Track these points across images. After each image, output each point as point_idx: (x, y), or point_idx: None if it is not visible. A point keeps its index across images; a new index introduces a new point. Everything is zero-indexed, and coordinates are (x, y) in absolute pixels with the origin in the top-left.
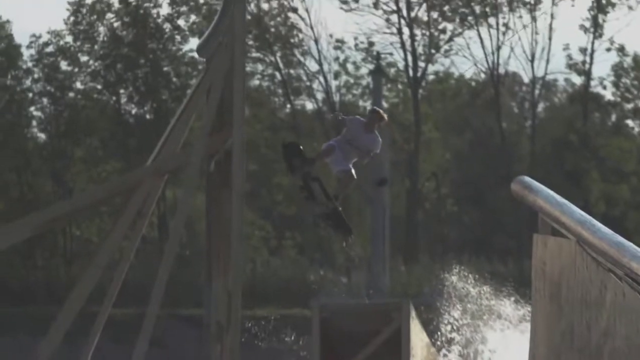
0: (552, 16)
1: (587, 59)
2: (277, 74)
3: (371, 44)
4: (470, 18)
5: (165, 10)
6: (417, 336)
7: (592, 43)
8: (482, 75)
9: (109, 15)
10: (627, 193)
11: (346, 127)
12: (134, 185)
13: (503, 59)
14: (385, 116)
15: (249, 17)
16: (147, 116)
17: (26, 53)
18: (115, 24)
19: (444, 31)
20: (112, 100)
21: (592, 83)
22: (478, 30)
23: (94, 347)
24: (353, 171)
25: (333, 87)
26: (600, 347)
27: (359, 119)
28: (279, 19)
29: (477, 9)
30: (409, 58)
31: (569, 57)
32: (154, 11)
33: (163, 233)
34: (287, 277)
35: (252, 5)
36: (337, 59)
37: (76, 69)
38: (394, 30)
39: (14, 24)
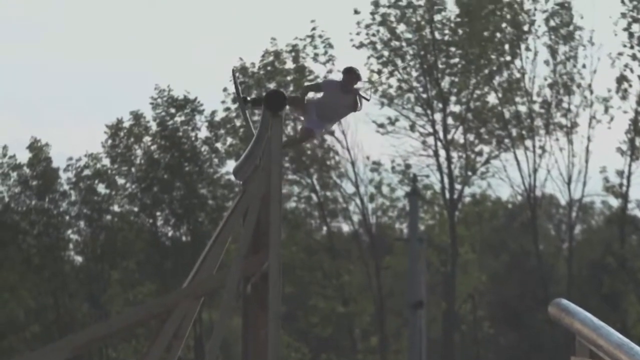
0: (588, 139)
1: (624, 181)
2: (314, 196)
3: (408, 166)
4: (506, 141)
5: (203, 133)
6: None
7: (629, 166)
8: (519, 198)
9: (146, 138)
10: None
11: (323, 92)
12: (170, 308)
13: (540, 181)
14: (361, 75)
15: (285, 139)
16: (183, 238)
17: (63, 176)
18: (152, 147)
19: (480, 154)
20: (148, 222)
21: (630, 206)
22: (515, 153)
23: None
24: (319, 133)
25: (369, 209)
26: None
27: (334, 82)
28: (315, 141)
29: (514, 131)
30: (446, 180)
31: (606, 179)
32: (192, 134)
33: (199, 355)
34: None
35: (289, 127)
36: (371, 181)
37: (113, 192)
38: (431, 152)
39: (52, 147)
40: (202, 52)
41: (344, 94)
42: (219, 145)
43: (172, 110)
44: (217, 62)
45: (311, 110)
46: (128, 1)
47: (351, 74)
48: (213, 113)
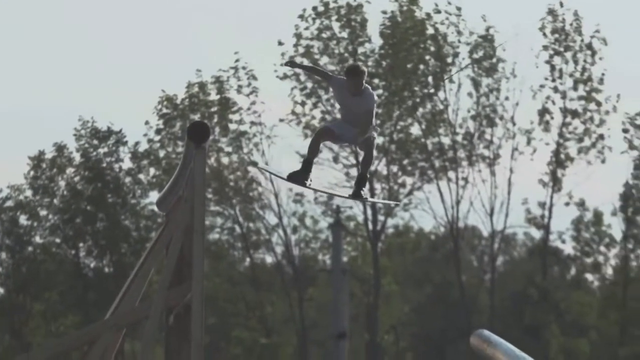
0: (511, 170)
1: (546, 213)
2: (237, 228)
3: (331, 197)
4: (429, 172)
5: (127, 164)
6: None
7: (551, 197)
8: (442, 229)
9: (70, 169)
10: (586, 347)
11: (332, 91)
12: (93, 339)
13: (462, 212)
14: (363, 68)
15: (208, 170)
16: (106, 270)
17: None
18: (75, 178)
19: (403, 185)
20: (71, 254)
21: (551, 237)
22: (437, 184)
23: None
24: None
25: (292, 240)
26: None
27: (340, 81)
28: (238, 172)
29: (437, 163)
30: (369, 212)
31: (528, 211)
32: (116, 166)
33: None
34: None
35: (212, 159)
36: (295, 212)
37: (35, 223)
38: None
39: None
40: (126, 84)
41: (354, 97)
42: (142, 176)
43: (96, 142)
44: (141, 93)
45: (347, 131)
46: (53, 32)
47: (353, 75)
48: (136, 144)
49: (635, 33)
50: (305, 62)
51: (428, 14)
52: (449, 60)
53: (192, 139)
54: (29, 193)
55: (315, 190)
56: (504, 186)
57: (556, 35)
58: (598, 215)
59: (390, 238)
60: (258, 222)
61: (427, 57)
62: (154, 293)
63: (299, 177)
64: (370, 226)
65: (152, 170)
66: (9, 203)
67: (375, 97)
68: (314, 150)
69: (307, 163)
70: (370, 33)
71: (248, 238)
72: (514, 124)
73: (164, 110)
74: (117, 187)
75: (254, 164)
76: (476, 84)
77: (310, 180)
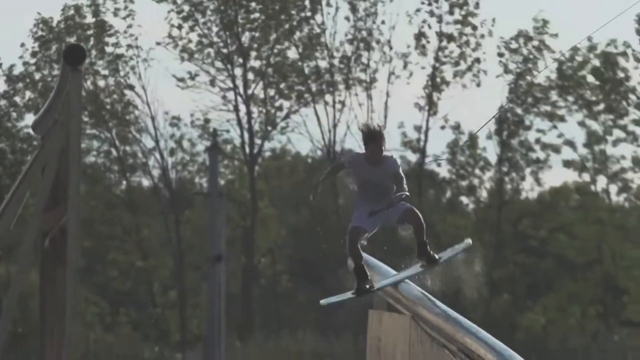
0: (387, 94)
1: (422, 136)
2: (113, 151)
3: (207, 120)
4: (306, 96)
5: (1, 87)
6: None
7: (427, 121)
8: (319, 153)
9: None
10: None
11: (352, 170)
12: None
13: (339, 136)
14: (380, 128)
15: (84, 93)
16: None
17: None
18: None
19: (280, 108)
20: None
21: (427, 160)
22: (314, 108)
23: None
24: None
25: (169, 163)
26: None
27: (358, 155)
28: (115, 96)
29: (314, 86)
30: (246, 135)
31: (404, 134)
32: None
33: None
34: (122, 353)
35: (89, 82)
36: (172, 136)
37: None
38: (231, 107)
39: None
40: (0, 6)
41: (373, 167)
42: (17, 99)
43: None
44: (16, 16)
45: (357, 203)
46: None
47: (371, 140)
48: (11, 67)
49: None
50: None
51: None
52: None
53: (68, 62)
54: None
55: (387, 285)
56: (380, 110)
57: None
58: (473, 139)
59: (267, 161)
60: (135, 145)
61: None
62: (29, 216)
63: (361, 288)
64: (247, 149)
65: (27, 93)
66: None
67: (399, 163)
68: (356, 256)
69: (358, 270)
70: None
71: (124, 161)
72: (391, 48)
73: (40, 33)
74: None
75: (131, 87)
76: (353, 8)
77: (371, 285)
